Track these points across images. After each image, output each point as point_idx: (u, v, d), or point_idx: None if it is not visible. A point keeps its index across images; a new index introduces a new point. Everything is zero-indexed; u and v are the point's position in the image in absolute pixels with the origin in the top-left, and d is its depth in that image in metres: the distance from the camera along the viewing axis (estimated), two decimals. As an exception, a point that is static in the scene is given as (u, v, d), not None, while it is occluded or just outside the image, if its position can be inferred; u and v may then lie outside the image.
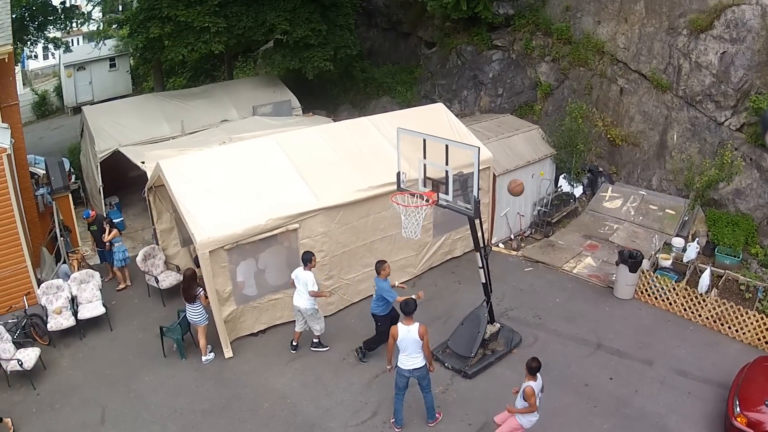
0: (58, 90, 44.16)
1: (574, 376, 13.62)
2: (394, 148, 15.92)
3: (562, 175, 21.78)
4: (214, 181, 14.89)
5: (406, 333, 11.37)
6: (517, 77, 25.33)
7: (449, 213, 14.42)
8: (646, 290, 16.46)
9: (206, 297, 14.14)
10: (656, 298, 16.32)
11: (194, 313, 14.29)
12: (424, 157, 12.88)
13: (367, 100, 30.22)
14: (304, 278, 13.82)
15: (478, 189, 12.00)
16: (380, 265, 13.46)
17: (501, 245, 19.62)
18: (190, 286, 14.08)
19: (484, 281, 13.82)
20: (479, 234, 13.20)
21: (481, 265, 13.65)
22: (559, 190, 21.51)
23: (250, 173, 15.40)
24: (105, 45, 37.63)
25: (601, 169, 22.17)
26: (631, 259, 16.18)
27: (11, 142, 16.47)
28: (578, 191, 21.62)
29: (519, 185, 15.42)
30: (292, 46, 26.18)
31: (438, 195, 12.69)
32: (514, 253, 19.29)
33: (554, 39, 24.33)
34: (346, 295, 16.17)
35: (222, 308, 14.33)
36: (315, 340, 14.75)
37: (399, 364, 11.72)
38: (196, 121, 23.49)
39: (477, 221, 12.79)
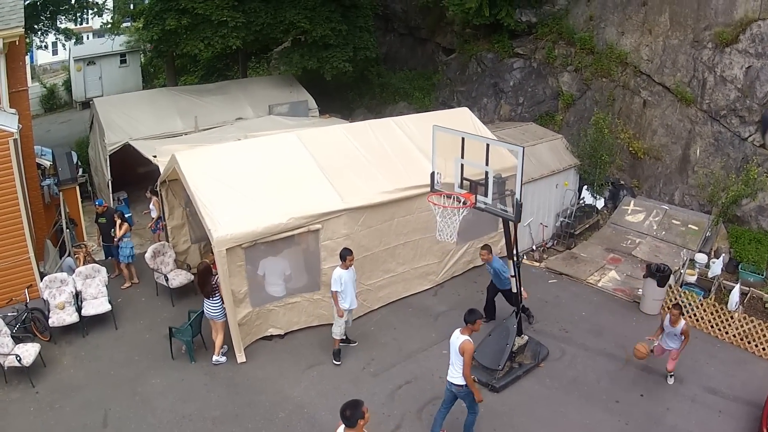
0: (67, 84, 43.80)
1: (605, 392, 12.87)
2: (420, 149, 15.80)
3: (585, 187, 21.01)
4: (233, 176, 14.06)
5: (454, 340, 10.57)
6: (539, 86, 24.63)
7: (472, 220, 13.74)
8: (673, 306, 15.66)
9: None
10: (683, 314, 15.49)
11: (213, 308, 13.40)
12: (462, 157, 12.26)
13: (384, 105, 29.55)
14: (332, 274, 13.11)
15: (521, 192, 11.22)
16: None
17: (524, 256, 18.82)
18: (205, 280, 13.23)
19: (514, 291, 13.03)
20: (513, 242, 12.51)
21: (512, 274, 12.89)
22: (582, 202, 20.74)
23: (271, 169, 14.61)
24: (118, 37, 37.06)
25: (622, 182, 21.48)
26: (659, 273, 15.38)
27: (19, 127, 15.56)
28: (600, 204, 20.89)
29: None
30: (311, 45, 25.53)
31: (476, 197, 12.00)
32: (536, 264, 18.55)
33: (577, 48, 23.68)
34: (366, 302, 15.28)
35: (237, 309, 13.44)
36: (335, 347, 13.72)
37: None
38: (210, 118, 22.83)
39: (512, 228, 12.09)
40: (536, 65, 24.87)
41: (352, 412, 7.64)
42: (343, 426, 7.77)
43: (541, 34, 24.86)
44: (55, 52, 52.58)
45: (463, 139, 12.22)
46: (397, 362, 13.72)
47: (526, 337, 13.58)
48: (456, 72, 28.14)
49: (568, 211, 20.03)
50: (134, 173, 22.78)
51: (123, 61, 40.74)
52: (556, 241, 19.88)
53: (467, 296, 16.41)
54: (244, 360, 13.72)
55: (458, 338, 10.46)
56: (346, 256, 12.89)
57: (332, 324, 13.62)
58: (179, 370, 13.66)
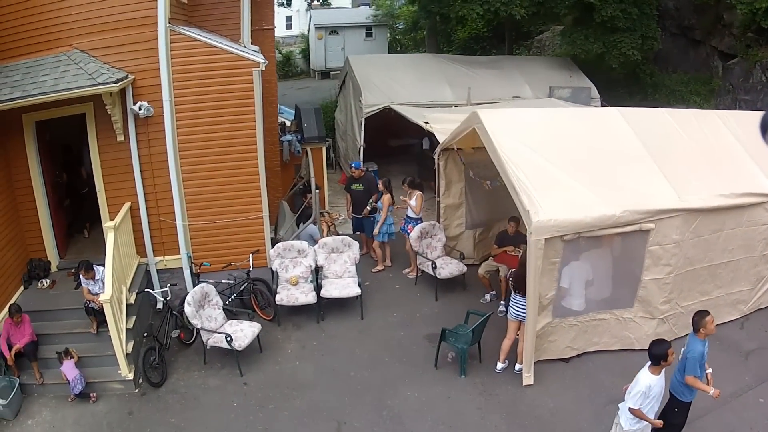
0: (304, 53, 45.17)
1: None
2: (746, 151, 13.27)
3: None
4: (548, 149, 11.62)
5: None
6: (823, 105, 21.07)
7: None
8: None
9: None
10: None
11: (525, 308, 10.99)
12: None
13: (656, 107, 26.49)
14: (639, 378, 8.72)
15: None
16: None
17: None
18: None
19: None
20: None
21: None
22: None
23: (591, 146, 12.10)
24: (365, 8, 36.85)
25: None
26: None
27: (264, 62, 13.48)
28: None
29: None
30: (597, 26, 23.12)
31: None
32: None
33: None
34: (675, 327, 12.40)
35: (538, 318, 10.95)
36: None
37: None
38: (484, 92, 20.74)
39: None
40: (822, 80, 21.28)
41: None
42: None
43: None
44: (288, 26, 54.10)
45: None
46: (711, 407, 10.60)
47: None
48: (739, 79, 25.06)
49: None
50: (385, 145, 21.59)
51: (369, 34, 41.04)
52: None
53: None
54: (531, 383, 11.20)
55: None
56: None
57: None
58: (444, 383, 11.31)
